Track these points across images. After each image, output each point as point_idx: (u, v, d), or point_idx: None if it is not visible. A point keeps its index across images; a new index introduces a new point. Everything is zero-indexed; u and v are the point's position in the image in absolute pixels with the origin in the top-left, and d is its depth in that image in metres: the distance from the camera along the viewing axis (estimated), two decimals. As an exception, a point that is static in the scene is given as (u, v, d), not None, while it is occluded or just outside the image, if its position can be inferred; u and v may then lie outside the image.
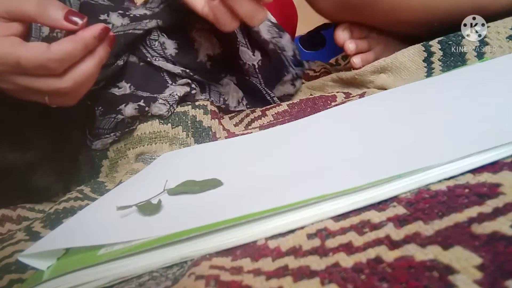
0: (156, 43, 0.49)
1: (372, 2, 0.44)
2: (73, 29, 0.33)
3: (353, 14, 0.48)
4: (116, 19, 0.46)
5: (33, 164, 0.42)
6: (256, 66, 0.55)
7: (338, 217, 0.20)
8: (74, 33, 0.34)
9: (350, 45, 0.50)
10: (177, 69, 0.49)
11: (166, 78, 0.50)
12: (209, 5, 0.35)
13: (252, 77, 0.56)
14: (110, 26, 0.46)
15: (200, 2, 0.38)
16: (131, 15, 0.47)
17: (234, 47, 0.53)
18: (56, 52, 0.32)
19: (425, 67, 0.44)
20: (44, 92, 0.34)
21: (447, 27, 0.42)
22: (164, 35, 0.49)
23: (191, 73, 0.50)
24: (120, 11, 0.47)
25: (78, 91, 0.37)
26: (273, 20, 0.57)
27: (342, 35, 0.51)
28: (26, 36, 0.34)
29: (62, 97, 0.36)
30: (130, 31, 0.46)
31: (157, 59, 0.49)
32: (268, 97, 0.56)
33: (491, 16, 0.40)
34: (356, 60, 0.51)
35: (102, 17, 0.46)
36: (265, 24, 0.54)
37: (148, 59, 0.48)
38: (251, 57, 0.54)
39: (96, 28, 0.34)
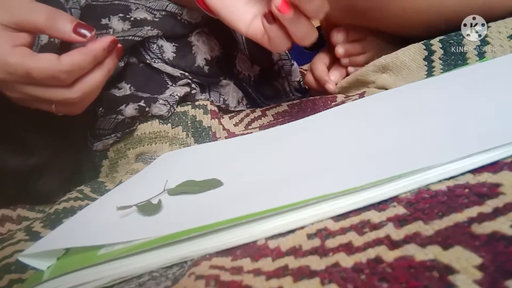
0: (154, 46, 0.49)
1: (381, 6, 0.43)
2: (82, 41, 0.34)
3: (360, 18, 0.48)
4: (117, 24, 0.46)
5: (37, 169, 0.42)
6: (252, 78, 0.54)
7: (338, 217, 0.20)
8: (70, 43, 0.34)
9: (339, 49, 0.50)
10: (176, 72, 0.49)
11: (166, 79, 0.50)
12: (265, 27, 0.34)
13: (248, 86, 0.55)
14: (110, 31, 0.46)
15: (244, 23, 0.37)
16: (132, 19, 0.47)
17: (232, 53, 0.53)
18: (66, 64, 0.32)
19: (425, 65, 0.43)
20: (52, 102, 0.35)
21: (452, 29, 0.42)
22: (163, 38, 0.49)
23: (190, 77, 0.50)
24: (121, 14, 0.47)
25: (85, 101, 0.37)
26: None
27: (336, 37, 0.51)
28: (32, 46, 0.34)
29: (69, 106, 0.36)
30: (130, 37, 0.46)
31: (156, 62, 0.49)
32: (263, 105, 0.56)
33: (499, 18, 0.40)
34: (344, 61, 0.51)
35: (104, 21, 0.46)
36: None
37: (148, 61, 0.48)
38: (248, 68, 0.54)
39: (106, 41, 0.35)
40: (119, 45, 0.37)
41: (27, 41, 0.33)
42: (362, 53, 0.51)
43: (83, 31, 0.33)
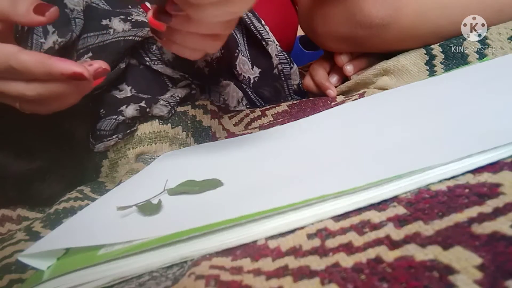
0: (154, 47, 0.48)
1: (380, 34, 0.44)
2: (41, 21, 0.31)
3: (359, 46, 0.49)
4: (117, 24, 0.46)
5: (39, 173, 0.42)
6: (251, 81, 0.54)
7: (338, 217, 0.20)
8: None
9: (348, 67, 0.51)
10: (176, 74, 0.49)
11: (167, 81, 0.50)
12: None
13: (247, 88, 0.55)
14: (111, 31, 0.46)
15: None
16: (133, 20, 0.47)
17: (233, 55, 0.53)
18: (18, 61, 0.30)
19: (427, 70, 0.44)
20: (13, 96, 0.32)
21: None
22: None
23: (190, 78, 0.50)
24: (122, 16, 0.47)
25: (49, 103, 0.34)
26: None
27: (341, 59, 0.51)
28: (7, 35, 0.32)
29: (32, 104, 0.34)
30: (131, 37, 0.46)
31: (156, 63, 0.48)
32: (262, 107, 0.56)
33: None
34: (353, 76, 0.51)
35: (104, 22, 0.46)
36: (274, 49, 0.54)
37: (147, 63, 0.48)
38: (249, 70, 0.54)
39: (69, 68, 0.31)
40: (101, 66, 0.33)
41: None
42: (369, 66, 0.52)
43: (43, 10, 0.31)
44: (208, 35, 0.34)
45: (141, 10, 0.50)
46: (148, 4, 0.40)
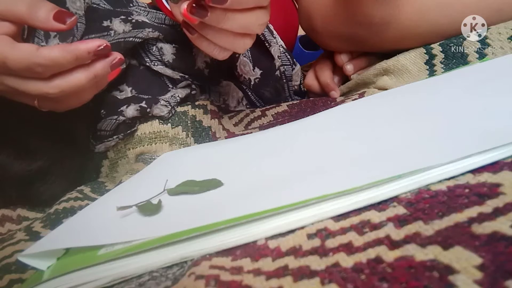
0: (154, 48, 0.48)
1: (380, 33, 0.44)
2: (62, 28, 0.32)
3: (359, 45, 0.49)
4: (118, 26, 0.46)
5: (40, 174, 0.42)
6: (252, 83, 0.54)
7: (338, 217, 0.20)
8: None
9: (348, 67, 0.51)
10: (176, 75, 0.49)
11: (167, 82, 0.50)
12: (189, 38, 0.37)
13: (247, 89, 0.55)
14: (112, 32, 0.46)
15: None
16: (133, 21, 0.47)
17: (233, 55, 0.53)
18: (43, 57, 0.31)
19: (427, 69, 0.44)
20: (32, 95, 0.33)
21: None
22: (163, 40, 0.49)
23: (190, 79, 0.50)
24: (123, 16, 0.47)
25: (67, 100, 0.35)
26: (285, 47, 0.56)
27: (340, 59, 0.51)
28: (18, 36, 0.33)
29: (51, 102, 0.35)
30: (131, 39, 0.46)
31: (156, 64, 0.49)
32: (262, 107, 0.56)
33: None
34: (353, 76, 0.51)
35: (105, 23, 0.46)
36: (277, 50, 0.54)
37: (147, 64, 0.48)
38: (250, 71, 0.54)
39: (93, 43, 0.32)
40: (117, 57, 0.34)
41: (10, 30, 0.32)
42: (369, 66, 0.51)
43: (63, 17, 0.32)
44: (240, 33, 0.35)
45: (141, 9, 0.51)
46: (164, 2, 0.40)
